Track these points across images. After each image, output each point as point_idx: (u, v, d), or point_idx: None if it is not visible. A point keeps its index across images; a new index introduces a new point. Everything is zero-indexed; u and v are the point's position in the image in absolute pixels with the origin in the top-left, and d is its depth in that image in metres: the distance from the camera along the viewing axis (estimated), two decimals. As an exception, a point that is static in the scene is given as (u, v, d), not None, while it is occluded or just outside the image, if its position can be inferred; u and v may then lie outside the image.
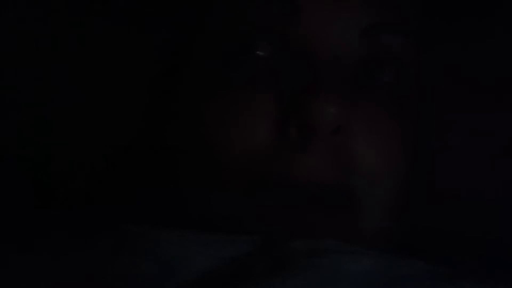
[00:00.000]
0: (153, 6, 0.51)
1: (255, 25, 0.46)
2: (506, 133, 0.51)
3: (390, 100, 0.47)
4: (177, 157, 0.48)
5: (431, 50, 0.50)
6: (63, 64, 0.51)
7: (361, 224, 0.46)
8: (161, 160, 0.49)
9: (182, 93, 0.49)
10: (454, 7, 0.51)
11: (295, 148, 0.44)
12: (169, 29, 0.51)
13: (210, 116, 0.46)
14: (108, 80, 0.51)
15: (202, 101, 0.47)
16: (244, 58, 0.46)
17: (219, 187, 0.45)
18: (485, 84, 0.52)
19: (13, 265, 0.39)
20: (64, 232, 0.42)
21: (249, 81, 0.46)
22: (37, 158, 0.50)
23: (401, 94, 0.48)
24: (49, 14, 0.51)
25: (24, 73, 0.50)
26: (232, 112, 0.45)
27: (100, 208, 0.49)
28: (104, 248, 0.40)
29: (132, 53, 0.51)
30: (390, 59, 0.47)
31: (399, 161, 0.47)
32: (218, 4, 0.48)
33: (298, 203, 0.44)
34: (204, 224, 0.43)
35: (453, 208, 0.52)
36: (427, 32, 0.50)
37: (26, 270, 0.38)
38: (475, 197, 0.51)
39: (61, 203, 0.50)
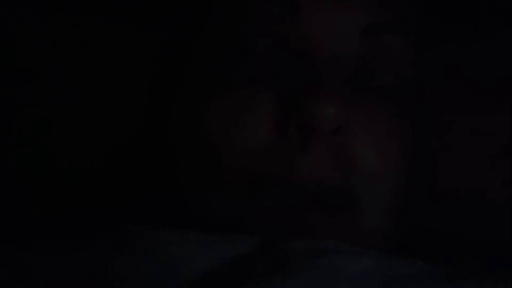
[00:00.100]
0: (153, 6, 0.51)
1: (255, 25, 0.46)
2: (506, 133, 0.51)
3: (390, 100, 0.47)
4: (177, 157, 0.48)
5: (431, 50, 0.50)
6: (63, 64, 0.51)
7: (361, 224, 0.46)
8: (161, 160, 0.49)
9: (182, 93, 0.49)
10: (454, 7, 0.51)
11: (295, 148, 0.44)
12: (169, 29, 0.51)
13: (210, 116, 0.46)
14: (108, 80, 0.51)
15: (202, 101, 0.47)
16: (244, 58, 0.46)
17: (219, 187, 0.45)
18: (485, 84, 0.52)
19: (13, 265, 0.39)
20: (64, 232, 0.42)
21: (249, 81, 0.46)
22: (37, 158, 0.50)
23: (401, 94, 0.48)
24: (49, 14, 0.51)
25: (24, 73, 0.50)
26: (232, 112, 0.45)
27: (100, 208, 0.49)
28: (104, 248, 0.40)
29: (132, 53, 0.51)
30: (390, 59, 0.47)
31: (399, 161, 0.47)
32: (218, 4, 0.48)
33: (298, 203, 0.44)
34: (204, 224, 0.43)
35: (453, 208, 0.52)
36: (427, 32, 0.50)
37: (26, 270, 0.38)
38: (475, 197, 0.51)
39: (61, 203, 0.50)
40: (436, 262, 0.41)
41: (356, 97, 0.46)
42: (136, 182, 0.51)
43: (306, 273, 0.39)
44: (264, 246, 0.41)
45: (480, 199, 0.51)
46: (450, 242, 0.51)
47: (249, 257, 0.40)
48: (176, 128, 0.49)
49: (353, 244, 0.42)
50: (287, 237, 0.42)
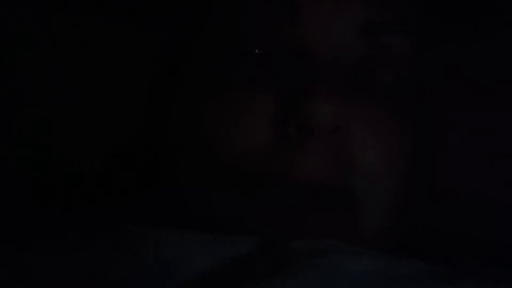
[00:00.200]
0: (153, 6, 0.51)
1: (255, 25, 0.46)
2: (506, 133, 0.51)
3: (390, 100, 0.47)
4: (177, 157, 0.48)
5: (431, 50, 0.50)
6: (63, 64, 0.51)
7: (361, 223, 0.46)
8: (161, 160, 0.49)
9: (182, 93, 0.49)
10: (454, 7, 0.51)
11: (294, 147, 0.44)
12: (169, 29, 0.51)
13: (210, 116, 0.46)
14: (108, 80, 0.51)
15: (202, 101, 0.47)
16: (244, 58, 0.46)
17: (219, 187, 0.45)
18: (485, 84, 0.52)
19: (13, 265, 0.39)
20: (64, 232, 0.42)
21: (249, 81, 0.46)
22: (37, 158, 0.50)
23: (401, 94, 0.48)
24: (49, 14, 0.51)
25: (24, 73, 0.50)
26: (232, 112, 0.45)
27: (100, 208, 0.49)
28: (104, 248, 0.40)
29: (132, 53, 0.51)
30: (390, 59, 0.47)
31: (399, 160, 0.47)
32: (218, 4, 0.48)
33: (298, 203, 0.44)
34: (204, 224, 0.43)
35: (453, 208, 0.52)
36: (427, 32, 0.50)
37: (26, 270, 0.38)
38: (475, 197, 0.51)
39: (61, 203, 0.50)
40: (436, 262, 0.41)
41: (356, 97, 0.46)
42: (136, 182, 0.51)
43: (306, 273, 0.39)
44: (264, 246, 0.41)
45: (480, 199, 0.51)
46: (450, 242, 0.51)
47: (249, 257, 0.40)
48: (176, 128, 0.49)
49: (353, 244, 0.42)
50: (287, 237, 0.42)
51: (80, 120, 0.51)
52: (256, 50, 0.46)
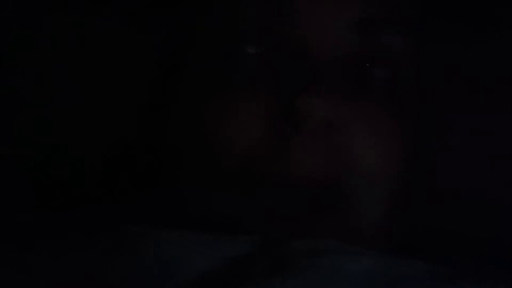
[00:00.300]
0: (153, 6, 0.51)
1: (254, 25, 0.46)
2: (506, 133, 0.51)
3: (389, 99, 0.47)
4: (177, 156, 0.48)
5: (431, 50, 0.50)
6: (63, 64, 0.51)
7: (360, 223, 0.46)
8: (161, 160, 0.49)
9: (182, 93, 0.49)
10: (454, 7, 0.51)
11: (294, 147, 0.44)
12: (169, 29, 0.51)
13: (210, 116, 0.46)
14: (108, 80, 0.51)
15: (202, 101, 0.47)
16: (244, 58, 0.46)
17: (219, 187, 0.45)
18: (485, 84, 0.52)
19: (13, 265, 0.39)
20: (64, 232, 0.42)
21: (248, 81, 0.46)
22: (37, 158, 0.50)
23: (400, 93, 0.48)
24: (49, 14, 0.51)
25: (24, 73, 0.50)
26: (232, 112, 0.45)
27: (100, 208, 0.49)
28: (104, 248, 0.40)
29: (132, 53, 0.51)
30: (388, 58, 0.47)
31: (398, 160, 0.47)
32: (217, 4, 0.48)
33: (298, 203, 0.44)
34: (204, 224, 0.43)
35: (453, 208, 0.52)
36: (427, 32, 0.50)
37: (26, 270, 0.38)
38: (475, 197, 0.51)
39: (61, 203, 0.50)
40: (436, 262, 0.41)
41: (354, 96, 0.46)
42: (136, 182, 0.51)
43: (306, 273, 0.39)
44: (264, 246, 0.41)
45: (480, 199, 0.51)
46: (450, 242, 0.51)
47: (249, 257, 0.40)
48: (176, 128, 0.48)
49: (353, 244, 0.42)
50: (287, 237, 0.42)
51: (80, 120, 0.51)
52: (256, 50, 0.46)
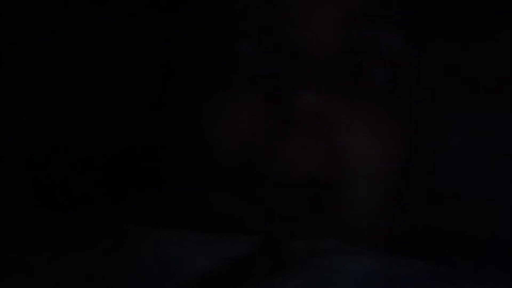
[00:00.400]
0: (152, 6, 0.51)
1: (254, 24, 0.46)
2: (506, 133, 0.51)
3: (388, 98, 0.47)
4: (177, 156, 0.48)
5: (431, 49, 0.50)
6: (63, 64, 0.51)
7: (359, 222, 0.46)
8: (161, 160, 0.49)
9: (182, 93, 0.49)
10: (454, 6, 0.51)
11: (292, 146, 0.44)
12: (169, 29, 0.51)
13: (210, 116, 0.46)
14: (108, 80, 0.51)
15: (202, 101, 0.47)
16: (243, 58, 0.46)
17: (219, 187, 0.45)
18: (485, 84, 0.52)
19: (13, 265, 0.39)
20: (64, 232, 0.42)
21: (248, 81, 0.46)
22: (37, 158, 0.50)
23: (398, 92, 0.48)
24: (49, 14, 0.51)
25: (24, 73, 0.50)
26: (232, 112, 0.45)
27: (100, 208, 0.49)
28: (104, 248, 0.40)
29: (132, 53, 0.51)
30: (385, 55, 0.47)
31: (398, 159, 0.47)
32: (217, 4, 0.48)
33: (298, 202, 0.44)
34: (204, 224, 0.43)
35: (453, 208, 0.52)
36: (426, 31, 0.50)
37: (26, 270, 0.38)
38: (475, 197, 0.51)
39: (61, 203, 0.50)
40: (436, 262, 0.41)
41: (354, 96, 0.46)
42: (136, 182, 0.51)
43: (306, 273, 0.39)
44: (264, 246, 0.41)
45: (480, 199, 0.51)
46: (450, 242, 0.51)
47: (249, 257, 0.40)
48: (176, 128, 0.49)
49: (353, 244, 0.42)
50: (287, 237, 0.42)
51: (80, 120, 0.51)
52: (254, 49, 0.46)
